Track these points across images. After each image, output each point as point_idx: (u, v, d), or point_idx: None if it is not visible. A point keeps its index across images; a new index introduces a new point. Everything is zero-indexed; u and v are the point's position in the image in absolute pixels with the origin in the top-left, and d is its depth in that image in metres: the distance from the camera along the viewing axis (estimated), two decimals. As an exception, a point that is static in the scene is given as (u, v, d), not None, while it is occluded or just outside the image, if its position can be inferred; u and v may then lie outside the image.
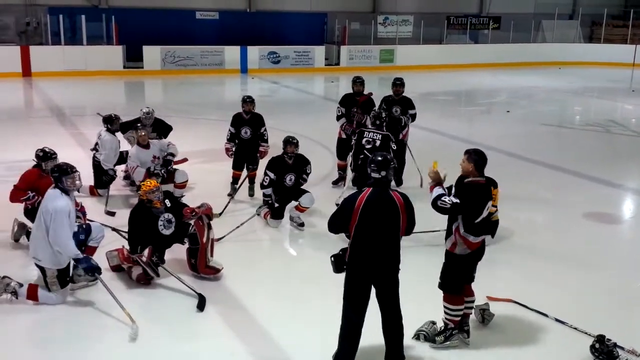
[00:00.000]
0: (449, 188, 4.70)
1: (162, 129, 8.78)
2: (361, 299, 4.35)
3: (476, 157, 4.63)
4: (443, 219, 4.80)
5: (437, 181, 4.63)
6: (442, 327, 4.86)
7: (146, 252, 5.74)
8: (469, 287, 4.86)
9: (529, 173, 10.14)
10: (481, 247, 4.74)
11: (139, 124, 8.08)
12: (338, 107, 8.95)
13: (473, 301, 4.92)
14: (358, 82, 8.92)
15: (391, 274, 4.38)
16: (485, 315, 5.12)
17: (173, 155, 8.02)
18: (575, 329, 5.07)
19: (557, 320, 5.21)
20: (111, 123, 8.35)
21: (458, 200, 4.52)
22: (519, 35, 26.96)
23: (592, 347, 4.72)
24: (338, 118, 8.93)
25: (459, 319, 4.80)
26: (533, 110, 16.79)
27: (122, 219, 7.17)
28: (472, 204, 4.57)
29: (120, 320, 5.09)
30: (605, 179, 9.74)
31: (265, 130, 8.32)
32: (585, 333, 4.96)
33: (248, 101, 8.28)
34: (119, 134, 8.57)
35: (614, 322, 5.19)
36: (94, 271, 5.29)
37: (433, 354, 4.73)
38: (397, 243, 4.34)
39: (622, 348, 4.69)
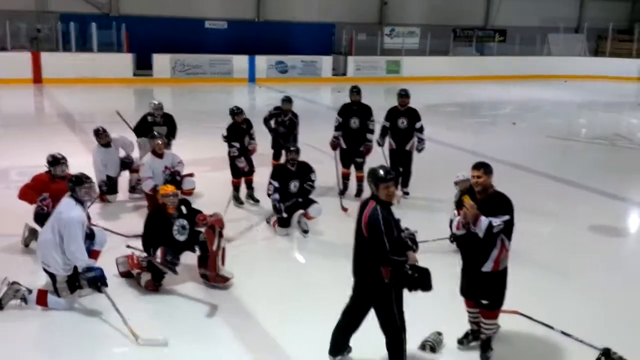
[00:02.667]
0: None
1: (171, 124, 8.94)
2: (349, 301, 4.55)
3: (491, 168, 4.62)
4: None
5: (476, 215, 4.45)
6: (485, 342, 4.83)
7: (159, 252, 5.69)
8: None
9: (535, 185, 10.17)
10: None
11: (156, 133, 8.13)
12: (336, 118, 9.02)
13: (499, 326, 4.97)
14: (354, 91, 8.96)
15: (365, 291, 4.39)
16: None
17: (179, 173, 7.95)
18: (581, 342, 5.08)
19: (562, 333, 5.23)
20: (98, 137, 8.41)
21: (507, 216, 4.46)
22: (525, 48, 27.04)
23: (598, 360, 4.76)
24: (336, 129, 8.99)
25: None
26: (539, 123, 16.83)
27: (126, 226, 7.32)
28: (513, 213, 4.54)
29: (121, 331, 5.10)
30: (611, 192, 9.76)
31: (252, 131, 8.58)
32: (591, 346, 4.97)
33: (240, 112, 8.42)
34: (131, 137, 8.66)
35: (619, 335, 5.21)
36: (97, 282, 5.31)
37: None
38: (366, 261, 4.27)
39: (627, 361, 4.73)
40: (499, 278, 4.65)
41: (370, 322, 4.50)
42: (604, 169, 11.74)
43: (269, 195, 7.49)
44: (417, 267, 4.27)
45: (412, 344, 4.77)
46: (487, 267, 4.59)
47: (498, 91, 22.65)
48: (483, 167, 4.58)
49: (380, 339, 4.46)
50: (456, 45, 27.46)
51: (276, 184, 7.40)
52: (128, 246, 6.40)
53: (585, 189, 9.96)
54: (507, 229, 4.52)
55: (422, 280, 4.30)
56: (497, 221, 4.41)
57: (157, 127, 8.71)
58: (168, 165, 7.88)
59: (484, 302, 4.71)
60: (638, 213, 9.25)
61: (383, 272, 4.24)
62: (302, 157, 8.20)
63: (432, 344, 4.97)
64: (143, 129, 8.86)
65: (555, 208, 8.94)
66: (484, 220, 4.42)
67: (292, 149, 7.56)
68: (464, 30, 27.53)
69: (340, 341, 4.66)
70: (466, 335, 5.02)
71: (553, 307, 5.73)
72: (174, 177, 7.78)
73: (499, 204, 4.51)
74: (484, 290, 4.68)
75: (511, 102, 20.57)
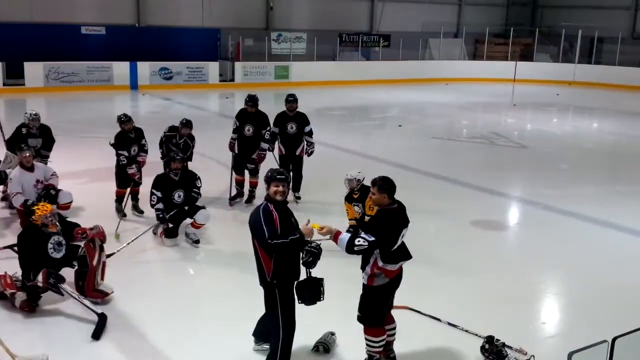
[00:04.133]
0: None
1: (48, 136, 8.39)
2: None
3: (387, 186, 4.44)
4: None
5: (331, 232, 4.32)
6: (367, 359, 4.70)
7: (40, 277, 5.38)
8: (389, 314, 4.75)
9: (420, 184, 10.50)
10: (399, 274, 4.58)
11: (23, 145, 7.58)
12: (234, 121, 8.88)
13: (394, 328, 4.79)
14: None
15: (263, 285, 4.33)
16: None
17: (54, 187, 7.46)
18: (466, 331, 5.27)
19: (449, 324, 5.40)
20: None
21: (373, 238, 4.26)
22: (408, 53, 27.98)
23: (482, 347, 4.92)
24: (233, 131, 8.86)
25: (382, 349, 4.67)
26: (423, 125, 17.45)
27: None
28: (387, 235, 4.36)
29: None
30: (491, 188, 10.25)
31: (145, 141, 8.31)
32: (476, 335, 5.16)
33: (128, 120, 8.12)
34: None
35: (502, 323, 5.44)
36: None
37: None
38: (257, 254, 4.25)
39: (511, 347, 4.93)
40: (371, 293, 4.50)
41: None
42: (484, 166, 12.32)
43: (152, 205, 7.23)
44: (312, 252, 4.21)
45: (305, 344, 4.73)
46: (364, 279, 4.51)
47: (384, 95, 23.28)
48: (377, 184, 4.45)
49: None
50: (342, 50, 27.96)
51: (159, 194, 7.14)
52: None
53: (467, 186, 10.39)
54: (383, 250, 4.37)
55: (310, 288, 4.28)
56: (360, 240, 4.25)
57: (31, 140, 8.18)
58: (40, 179, 7.38)
59: (359, 314, 4.61)
60: (516, 207, 9.75)
61: (266, 270, 4.23)
62: (191, 164, 8.01)
63: (325, 345, 4.96)
64: (17, 141, 8.22)
65: (440, 205, 9.24)
66: (342, 237, 4.29)
67: (176, 157, 7.30)
68: (350, 36, 28.06)
69: (262, 330, 4.72)
70: None
71: (439, 301, 5.91)
72: (49, 192, 7.29)
73: (374, 223, 4.44)
74: (361, 302, 4.60)
75: (397, 105, 21.20)
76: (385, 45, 28.24)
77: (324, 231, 4.30)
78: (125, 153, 8.03)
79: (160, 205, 7.16)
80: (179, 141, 8.37)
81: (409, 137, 15.08)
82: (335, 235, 4.32)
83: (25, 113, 8.44)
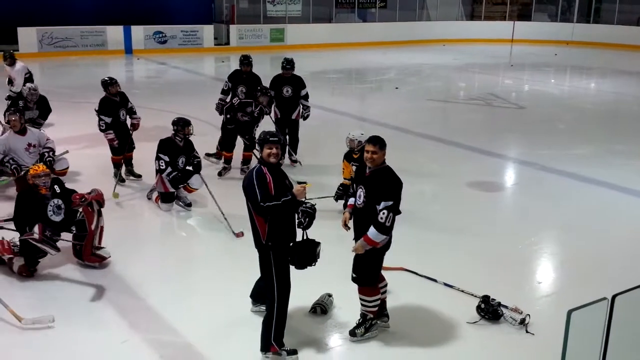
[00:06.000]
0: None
1: (45, 106, 8.36)
2: None
3: (385, 144, 4.41)
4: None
5: (364, 246, 4.34)
6: (360, 319, 4.69)
7: (36, 229, 5.36)
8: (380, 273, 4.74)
9: (417, 146, 10.48)
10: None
11: (12, 108, 7.53)
12: (225, 82, 8.80)
13: (385, 285, 4.77)
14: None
15: (258, 247, 4.31)
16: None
17: (52, 150, 7.45)
18: (462, 291, 5.32)
19: (445, 284, 5.45)
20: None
21: (391, 202, 4.25)
22: (405, 14, 27.60)
23: (478, 307, 4.97)
24: (223, 92, 8.79)
25: (377, 308, 4.69)
26: (420, 87, 17.32)
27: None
28: (400, 193, 4.36)
29: (1, 316, 4.82)
30: (488, 150, 10.23)
31: (131, 104, 8.18)
32: (472, 295, 5.21)
33: (114, 82, 7.97)
34: None
35: (497, 283, 5.47)
36: None
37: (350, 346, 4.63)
38: (252, 217, 4.23)
39: (506, 307, 4.98)
40: (372, 254, 4.46)
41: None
42: (481, 128, 12.28)
43: (160, 171, 7.09)
44: (307, 213, 4.21)
45: (303, 305, 4.78)
46: None
47: (380, 57, 23.06)
48: (379, 143, 4.38)
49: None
50: (339, 12, 27.58)
51: (166, 158, 7.06)
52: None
53: (464, 148, 10.37)
54: (396, 208, 4.35)
55: (303, 251, 4.29)
56: (383, 215, 4.24)
57: (28, 112, 8.14)
58: (33, 143, 7.32)
59: (354, 275, 4.60)
60: (513, 168, 9.75)
61: (261, 233, 4.22)
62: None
63: (322, 306, 5.00)
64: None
65: (437, 167, 9.25)
66: (373, 233, 4.29)
67: (189, 125, 7.19)
68: (346, -3, 27.68)
69: (259, 292, 4.74)
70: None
71: (435, 261, 5.94)
72: (44, 159, 7.25)
73: (385, 186, 4.34)
74: (356, 262, 4.57)
75: (393, 68, 21.02)
76: (382, 6, 27.85)
77: (359, 251, 4.38)
78: (105, 118, 7.83)
79: (170, 170, 7.07)
80: (254, 109, 8.26)
81: (406, 100, 14.98)
82: (368, 241, 4.34)
83: (24, 86, 8.37)
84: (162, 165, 7.09)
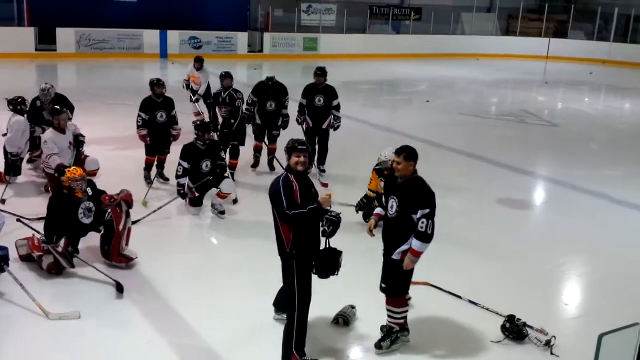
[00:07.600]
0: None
1: (65, 105, 8.42)
2: None
3: (413, 154, 4.39)
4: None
5: (411, 260, 4.36)
6: (386, 332, 4.66)
7: (62, 242, 5.50)
8: None
9: (447, 161, 10.41)
10: None
11: (58, 107, 7.63)
12: (250, 96, 8.87)
13: (409, 298, 4.75)
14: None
15: (281, 255, 4.32)
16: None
17: (83, 136, 7.57)
18: (487, 309, 5.25)
19: (470, 301, 5.38)
20: (16, 105, 7.94)
21: (428, 209, 4.29)
22: (439, 27, 27.56)
23: (503, 326, 4.90)
24: (248, 104, 8.83)
25: (404, 320, 4.67)
26: (452, 100, 17.22)
27: (26, 207, 6.91)
28: (434, 201, 4.34)
29: (30, 309, 4.91)
30: (518, 167, 10.12)
31: (175, 112, 8.29)
32: (497, 313, 5.14)
33: (160, 84, 8.11)
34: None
35: (523, 303, 5.39)
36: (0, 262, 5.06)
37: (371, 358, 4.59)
38: (277, 225, 4.25)
39: (532, 327, 4.90)
40: (399, 266, 4.44)
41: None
42: (512, 144, 12.14)
43: (177, 176, 7.22)
44: (332, 221, 4.18)
45: (325, 316, 4.75)
46: (396, 255, 4.44)
47: (413, 69, 23.01)
48: (404, 153, 4.38)
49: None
50: (372, 23, 27.62)
51: (185, 165, 7.13)
52: (18, 220, 6.19)
53: (494, 164, 10.27)
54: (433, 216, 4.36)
55: (327, 260, 4.28)
56: (423, 224, 4.27)
57: (45, 112, 8.23)
58: (71, 141, 7.45)
59: (383, 285, 4.59)
60: (543, 186, 9.63)
61: (285, 240, 4.22)
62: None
63: (345, 317, 4.97)
64: (33, 114, 8.28)
65: (466, 182, 9.17)
66: (416, 244, 4.32)
67: (210, 131, 7.29)
68: (380, 8, 27.68)
69: (282, 300, 4.72)
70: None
71: (461, 278, 5.88)
72: (79, 153, 7.43)
73: (419, 195, 4.35)
74: (387, 272, 4.54)
75: (425, 80, 20.96)
76: (416, 18, 27.85)
77: (410, 266, 4.39)
78: (143, 114, 7.96)
79: (183, 180, 7.14)
80: (223, 96, 8.61)
81: (437, 113, 14.90)
82: (415, 254, 4.35)
83: (41, 87, 8.44)
84: (179, 172, 7.16)
